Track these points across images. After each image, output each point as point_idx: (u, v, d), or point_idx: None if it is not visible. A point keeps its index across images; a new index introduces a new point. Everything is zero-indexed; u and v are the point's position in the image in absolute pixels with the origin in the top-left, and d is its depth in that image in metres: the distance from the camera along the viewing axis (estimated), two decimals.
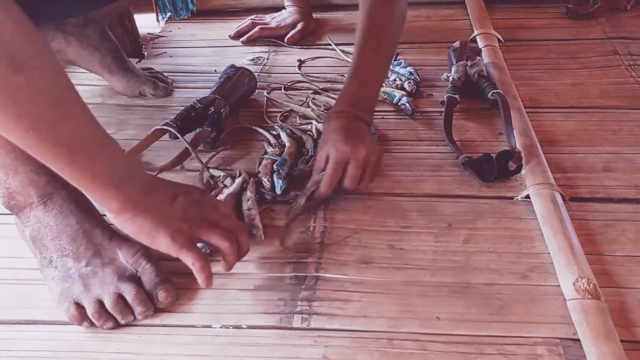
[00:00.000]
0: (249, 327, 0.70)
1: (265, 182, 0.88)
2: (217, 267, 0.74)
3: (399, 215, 0.84)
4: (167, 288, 0.72)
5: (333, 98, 1.08)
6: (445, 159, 0.93)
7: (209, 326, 0.70)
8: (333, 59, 1.24)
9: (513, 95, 1.05)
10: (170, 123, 0.97)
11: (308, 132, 1.00)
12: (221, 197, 0.84)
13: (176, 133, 0.95)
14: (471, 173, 0.90)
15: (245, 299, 0.73)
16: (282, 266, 0.77)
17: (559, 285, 0.72)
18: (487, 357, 0.65)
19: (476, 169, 0.88)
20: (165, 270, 0.74)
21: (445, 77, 1.09)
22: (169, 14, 1.29)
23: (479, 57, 1.10)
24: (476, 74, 1.06)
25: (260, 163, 0.92)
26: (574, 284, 0.70)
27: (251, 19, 1.36)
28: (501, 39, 1.25)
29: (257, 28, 1.32)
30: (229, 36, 1.35)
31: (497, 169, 0.87)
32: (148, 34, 1.39)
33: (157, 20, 1.33)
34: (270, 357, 0.66)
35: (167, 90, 1.13)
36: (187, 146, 0.94)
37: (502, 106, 0.98)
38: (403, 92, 1.06)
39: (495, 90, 1.01)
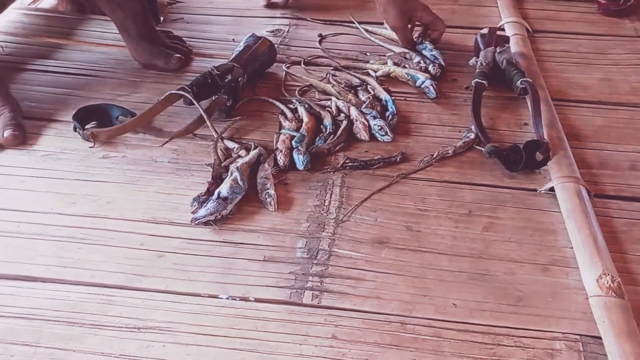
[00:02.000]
0: (257, 300, 0.67)
1: (281, 159, 0.85)
2: (226, 234, 0.71)
3: (418, 198, 0.81)
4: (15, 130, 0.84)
5: (354, 75, 1.05)
6: (467, 145, 0.90)
7: (216, 296, 0.68)
8: (355, 37, 1.20)
9: (540, 86, 1.01)
10: (186, 88, 0.94)
11: (327, 109, 0.96)
12: (236, 165, 0.81)
13: (191, 99, 0.92)
14: (495, 162, 0.86)
15: (254, 270, 0.71)
16: (294, 239, 0.74)
17: (581, 281, 0.69)
18: (503, 349, 0.62)
19: (502, 158, 0.85)
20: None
21: (473, 62, 1.05)
22: None
23: (507, 45, 1.07)
24: (504, 61, 1.02)
25: (277, 139, 0.89)
26: (597, 280, 0.67)
27: None
28: (530, 29, 1.21)
29: None
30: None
31: (524, 160, 0.84)
32: None
33: None
34: (278, 332, 0.64)
35: (180, 62, 1.07)
36: (202, 113, 0.90)
37: (531, 95, 0.94)
38: (427, 75, 1.03)
39: (524, 79, 0.98)
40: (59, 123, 0.94)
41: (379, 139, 0.91)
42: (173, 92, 0.93)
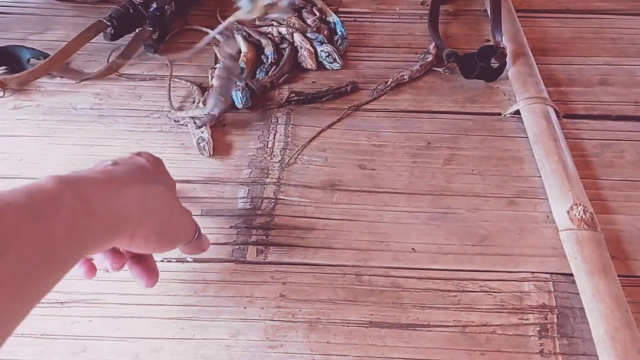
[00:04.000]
0: (195, 260, 0.60)
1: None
2: None
3: (372, 132, 0.73)
4: None
5: None
6: (425, 68, 0.81)
7: None
8: None
9: None
10: (104, 20, 0.82)
11: (268, 35, 0.86)
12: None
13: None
14: (455, 85, 0.78)
15: None
16: (234, 188, 0.66)
17: (550, 213, 0.64)
18: (468, 295, 0.57)
19: (461, 62, 0.78)
20: None
21: None
22: None
23: None
24: None
25: (213, 74, 0.79)
26: (568, 212, 0.62)
27: None
28: None
29: None
30: None
31: (479, 66, 0.76)
32: None
33: None
34: (219, 296, 0.57)
35: None
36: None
37: None
38: None
39: None
40: None
41: (327, 67, 0.82)
42: (91, 25, 0.82)
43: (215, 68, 0.80)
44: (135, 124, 0.74)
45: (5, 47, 0.82)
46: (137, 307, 0.56)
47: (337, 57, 0.81)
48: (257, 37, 0.85)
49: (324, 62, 0.82)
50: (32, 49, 0.82)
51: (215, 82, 0.75)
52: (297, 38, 0.83)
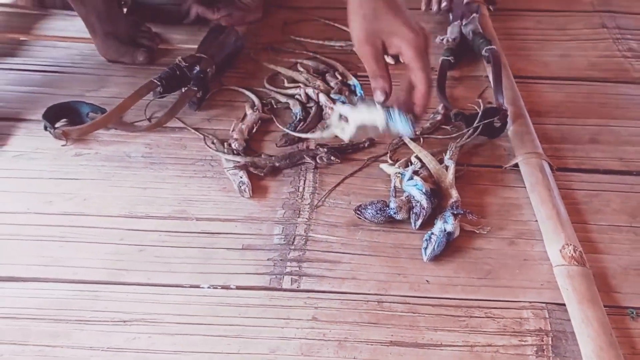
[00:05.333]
0: (238, 287, 0.69)
1: (234, 144, 0.87)
2: (204, 225, 0.73)
3: (388, 180, 0.83)
4: None
5: (321, 62, 1.06)
6: (435, 126, 0.93)
7: (197, 286, 0.69)
8: (319, 23, 1.21)
9: (503, 64, 1.04)
10: (155, 81, 0.94)
11: (296, 97, 0.98)
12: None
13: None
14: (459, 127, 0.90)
15: (233, 258, 0.73)
16: (271, 226, 0.77)
17: (545, 252, 0.73)
18: (475, 320, 0.66)
19: (467, 120, 0.89)
20: None
21: (439, 41, 1.08)
22: None
23: (474, 14, 1.09)
24: (471, 32, 1.05)
25: (235, 126, 0.91)
26: (560, 250, 0.71)
27: None
28: (491, 8, 1.23)
29: (193, 13, 1.18)
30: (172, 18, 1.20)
31: (483, 125, 0.87)
32: None
33: None
34: (260, 317, 0.66)
35: (148, 56, 1.06)
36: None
37: (493, 62, 0.98)
38: None
39: (489, 47, 1.01)
40: (28, 122, 0.93)
41: None
42: (143, 85, 0.94)
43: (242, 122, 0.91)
44: (182, 170, 0.85)
45: (67, 103, 0.94)
46: (189, 326, 0.65)
47: None
48: (286, 100, 0.97)
49: None
50: (91, 104, 0.94)
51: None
52: (322, 98, 0.95)
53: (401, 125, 0.72)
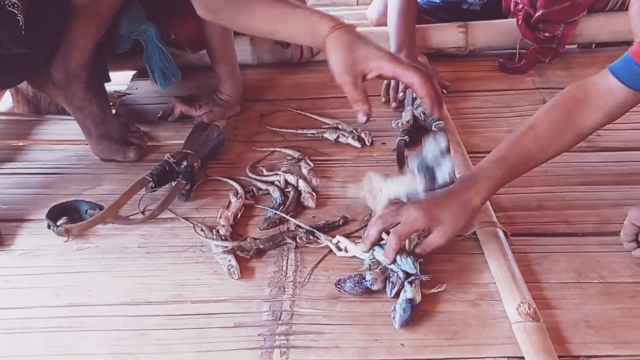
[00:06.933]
0: None
1: (221, 230, 0.96)
2: (199, 307, 0.81)
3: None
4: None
5: (296, 150, 1.18)
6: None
7: None
8: (292, 113, 1.34)
9: (457, 142, 1.17)
10: (147, 178, 1.04)
11: (275, 183, 1.09)
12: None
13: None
14: None
15: (227, 336, 0.80)
16: (259, 304, 0.85)
17: (504, 311, 0.83)
18: None
19: None
20: None
21: (394, 125, 1.21)
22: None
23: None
24: (422, 113, 1.19)
25: (222, 213, 1.00)
26: (517, 308, 0.81)
27: (175, 99, 1.34)
28: (444, 91, 1.38)
29: (177, 111, 1.32)
30: (158, 117, 1.34)
31: None
32: (115, 91, 1.47)
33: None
34: None
35: (138, 153, 1.17)
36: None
37: None
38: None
39: (437, 122, 1.15)
40: (32, 222, 1.02)
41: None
42: (136, 183, 1.04)
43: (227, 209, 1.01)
44: (176, 257, 0.94)
45: (67, 202, 1.03)
46: None
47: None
48: (265, 187, 1.08)
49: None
50: (89, 202, 1.03)
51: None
52: (301, 184, 1.06)
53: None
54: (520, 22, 1.47)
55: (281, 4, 0.92)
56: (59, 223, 1.00)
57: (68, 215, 1.02)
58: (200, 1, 0.98)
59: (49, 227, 0.98)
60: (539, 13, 1.44)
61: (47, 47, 1.03)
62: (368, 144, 1.21)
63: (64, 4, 1.01)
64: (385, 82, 1.33)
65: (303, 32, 0.90)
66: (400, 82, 1.27)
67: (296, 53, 1.51)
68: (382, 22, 1.54)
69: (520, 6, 1.47)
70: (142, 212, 1.03)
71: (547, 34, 1.47)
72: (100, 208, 1.01)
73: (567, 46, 1.52)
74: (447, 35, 1.55)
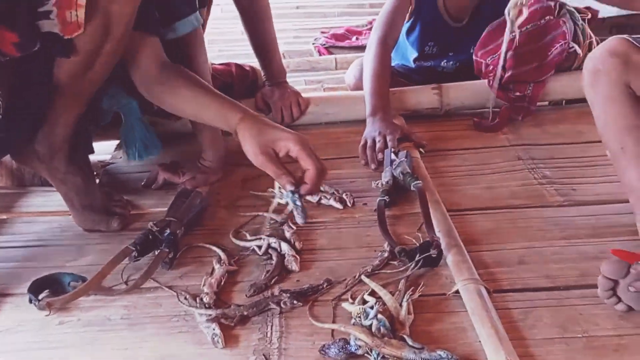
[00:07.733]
0: None
1: (205, 299, 0.96)
2: None
3: (348, 317, 0.93)
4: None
5: (279, 213, 1.19)
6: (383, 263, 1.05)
7: None
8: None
9: (436, 200, 1.19)
10: (130, 247, 1.04)
11: (252, 249, 1.10)
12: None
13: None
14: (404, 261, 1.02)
15: None
16: None
17: None
18: None
19: (409, 256, 1.02)
20: None
21: (375, 185, 1.23)
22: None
23: (400, 155, 1.27)
24: (401, 174, 1.21)
25: (205, 281, 1.00)
26: None
27: (158, 166, 1.36)
28: (422, 150, 1.41)
29: (161, 179, 1.34)
30: (141, 185, 1.35)
31: (422, 257, 1.00)
32: (99, 161, 1.49)
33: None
34: None
35: (121, 223, 1.18)
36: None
37: (420, 199, 1.13)
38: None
39: (415, 182, 1.17)
40: (13, 297, 1.01)
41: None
42: (119, 253, 1.04)
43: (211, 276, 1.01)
44: (159, 328, 0.93)
45: (50, 275, 1.03)
46: None
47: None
48: (247, 253, 1.08)
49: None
50: (71, 274, 1.03)
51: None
52: (285, 247, 1.07)
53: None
54: (491, 83, 1.53)
55: (202, 91, 1.09)
56: (40, 297, 0.99)
57: (50, 288, 1.01)
58: (137, 77, 1.13)
59: (30, 301, 0.97)
60: (509, 74, 1.51)
61: (29, 127, 1.06)
62: (350, 205, 1.23)
63: (47, 84, 1.04)
64: (361, 143, 1.37)
65: (218, 119, 1.07)
66: (376, 141, 1.35)
67: (277, 117, 1.55)
68: (358, 86, 1.59)
69: (491, 67, 1.54)
70: (126, 282, 1.02)
71: (518, 93, 1.53)
72: (84, 280, 1.01)
73: (538, 104, 1.58)
74: (422, 96, 1.60)
